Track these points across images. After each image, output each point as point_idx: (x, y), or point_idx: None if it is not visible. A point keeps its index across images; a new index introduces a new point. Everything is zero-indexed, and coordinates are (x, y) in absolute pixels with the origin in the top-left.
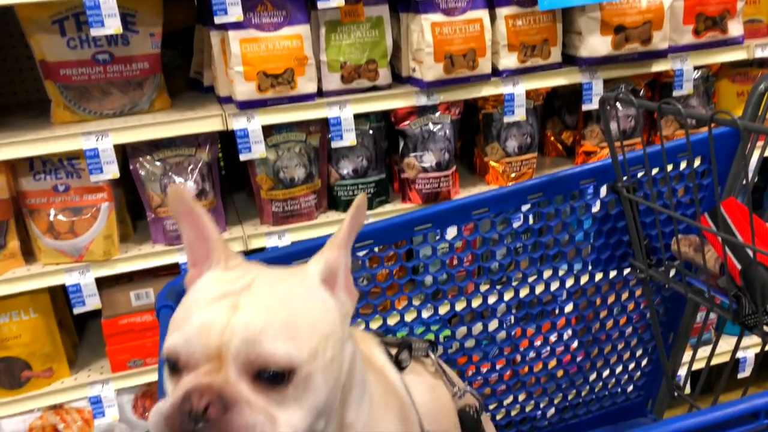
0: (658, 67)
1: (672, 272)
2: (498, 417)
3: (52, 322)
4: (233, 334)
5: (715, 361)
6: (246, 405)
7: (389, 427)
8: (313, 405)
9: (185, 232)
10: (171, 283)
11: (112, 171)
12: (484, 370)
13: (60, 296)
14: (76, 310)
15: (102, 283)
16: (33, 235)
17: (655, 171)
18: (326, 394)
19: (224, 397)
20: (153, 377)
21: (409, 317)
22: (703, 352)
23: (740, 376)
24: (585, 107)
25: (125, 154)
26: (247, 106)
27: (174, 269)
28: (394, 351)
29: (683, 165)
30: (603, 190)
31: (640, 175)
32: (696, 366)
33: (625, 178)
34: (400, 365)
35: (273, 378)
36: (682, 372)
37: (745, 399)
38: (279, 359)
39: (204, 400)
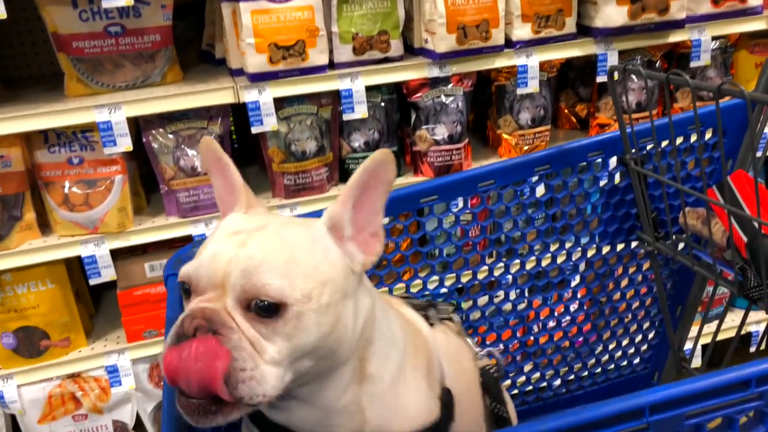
0: (675, 37)
1: (680, 246)
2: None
3: (68, 293)
4: (236, 265)
5: (725, 335)
6: (234, 331)
7: (417, 381)
8: (301, 344)
9: (216, 182)
10: (179, 251)
11: (125, 144)
12: (489, 341)
13: (76, 268)
14: (92, 281)
15: (117, 254)
16: (48, 207)
17: (665, 143)
18: (316, 336)
19: (213, 321)
20: None
21: (415, 289)
22: (714, 325)
23: (752, 350)
24: (599, 79)
25: (138, 127)
26: (259, 79)
27: (188, 241)
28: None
29: (694, 137)
30: (611, 163)
31: (649, 147)
32: (706, 340)
33: (633, 150)
34: (428, 321)
35: (265, 309)
36: (691, 345)
37: (736, 368)
38: (270, 291)
39: (194, 324)
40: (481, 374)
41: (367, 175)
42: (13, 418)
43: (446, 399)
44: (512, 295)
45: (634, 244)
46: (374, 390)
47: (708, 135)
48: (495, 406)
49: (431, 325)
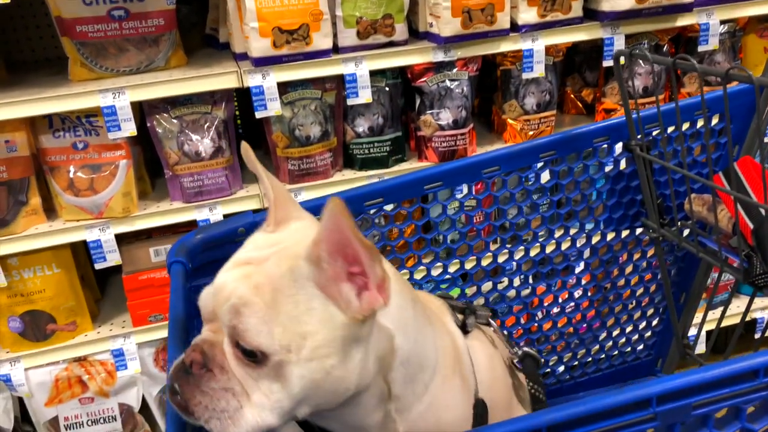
0: (683, 21)
1: (685, 232)
2: None
3: (74, 277)
4: (227, 299)
5: (730, 321)
6: (224, 372)
7: (450, 396)
8: (288, 394)
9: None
10: (182, 239)
11: (129, 128)
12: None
13: (82, 253)
14: (98, 266)
15: (121, 239)
16: (54, 191)
17: (671, 129)
18: (302, 388)
19: (208, 358)
20: None
21: (419, 275)
22: (719, 312)
23: (757, 336)
24: (606, 63)
25: (142, 111)
26: (263, 63)
27: (192, 226)
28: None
29: (701, 123)
30: (617, 149)
31: (655, 133)
32: (710, 326)
33: (639, 136)
34: (465, 329)
35: (249, 354)
36: (695, 331)
37: (743, 358)
38: (248, 337)
39: (190, 357)
40: (522, 359)
41: (330, 227)
42: (20, 401)
43: (480, 410)
44: (516, 282)
45: (639, 231)
46: (402, 407)
47: (714, 120)
48: (532, 387)
49: (467, 332)
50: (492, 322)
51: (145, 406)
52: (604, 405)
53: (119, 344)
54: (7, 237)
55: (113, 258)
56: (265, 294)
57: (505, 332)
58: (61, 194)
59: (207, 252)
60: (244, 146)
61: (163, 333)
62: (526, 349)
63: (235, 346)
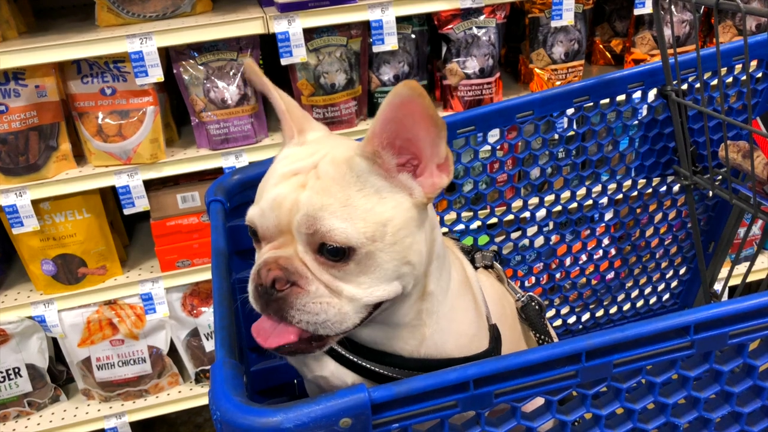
0: None
1: (717, 181)
2: None
3: (104, 222)
4: (298, 209)
5: (754, 277)
6: (309, 281)
7: (466, 305)
8: (378, 278)
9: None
10: (219, 179)
11: (156, 74)
12: (521, 275)
13: (110, 199)
14: (126, 211)
15: (149, 186)
16: (83, 137)
17: (707, 75)
18: (392, 270)
19: (289, 270)
20: (200, 277)
21: (448, 221)
22: (743, 268)
23: None
24: (637, 11)
25: (168, 59)
26: (288, 8)
27: (218, 173)
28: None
29: (738, 69)
30: (650, 95)
31: (691, 79)
32: (734, 281)
33: (675, 82)
34: (473, 263)
35: (334, 253)
36: (719, 287)
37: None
38: (336, 235)
39: (271, 276)
40: (523, 310)
41: (394, 110)
42: (55, 341)
43: (495, 333)
44: (544, 230)
45: (670, 179)
46: (431, 307)
47: (752, 65)
48: (540, 338)
49: (476, 268)
50: (497, 264)
51: (173, 349)
52: (643, 332)
53: (148, 288)
54: (39, 182)
55: (141, 204)
56: (335, 194)
57: (532, 278)
58: (90, 140)
59: (244, 193)
60: (248, 61)
61: (191, 278)
62: (530, 294)
63: (316, 252)
